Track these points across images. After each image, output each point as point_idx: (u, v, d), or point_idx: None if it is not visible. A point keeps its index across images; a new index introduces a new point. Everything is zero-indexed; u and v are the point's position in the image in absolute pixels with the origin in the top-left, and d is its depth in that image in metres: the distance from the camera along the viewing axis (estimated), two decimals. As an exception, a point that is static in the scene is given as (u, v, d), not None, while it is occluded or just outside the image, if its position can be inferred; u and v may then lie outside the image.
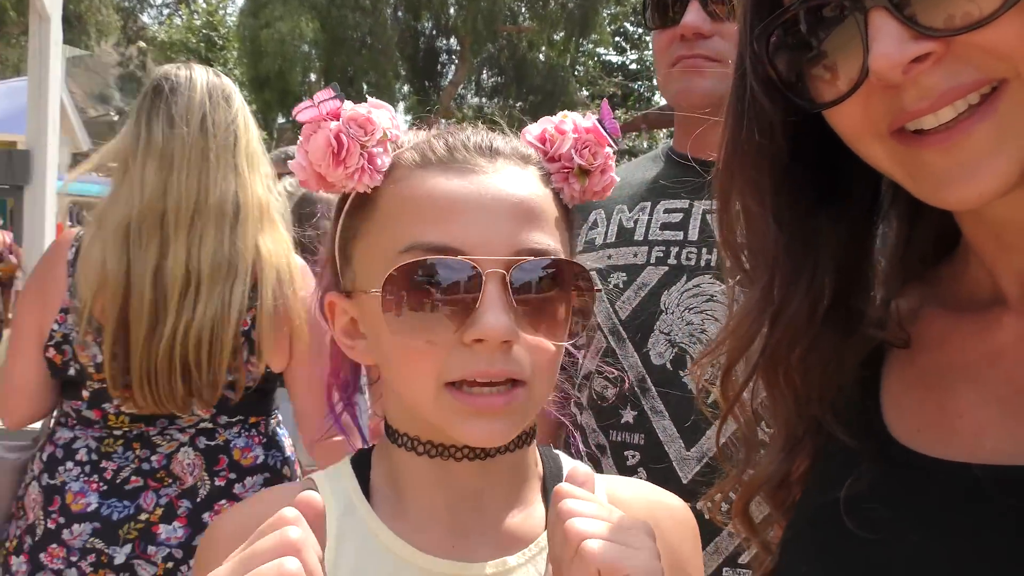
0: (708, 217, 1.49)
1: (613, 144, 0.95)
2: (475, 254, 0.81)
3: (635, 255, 1.51)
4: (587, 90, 28.10)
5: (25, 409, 2.00)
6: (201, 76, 2.00)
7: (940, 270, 0.83)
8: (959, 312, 0.78)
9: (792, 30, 0.68)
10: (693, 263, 1.46)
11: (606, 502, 0.86)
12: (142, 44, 30.17)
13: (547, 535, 0.80)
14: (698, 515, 1.37)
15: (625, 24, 28.49)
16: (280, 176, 2.46)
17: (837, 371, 0.80)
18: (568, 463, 0.99)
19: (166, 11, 32.36)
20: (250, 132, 2.02)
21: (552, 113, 0.97)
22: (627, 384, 1.46)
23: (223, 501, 1.97)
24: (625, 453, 1.45)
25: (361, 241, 0.89)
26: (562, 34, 25.16)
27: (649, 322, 1.46)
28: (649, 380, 1.44)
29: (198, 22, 27.67)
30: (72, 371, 1.94)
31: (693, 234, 1.48)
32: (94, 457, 1.95)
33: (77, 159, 16.66)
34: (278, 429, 2.13)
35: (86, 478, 1.93)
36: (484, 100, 27.41)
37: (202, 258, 1.89)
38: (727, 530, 1.36)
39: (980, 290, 0.76)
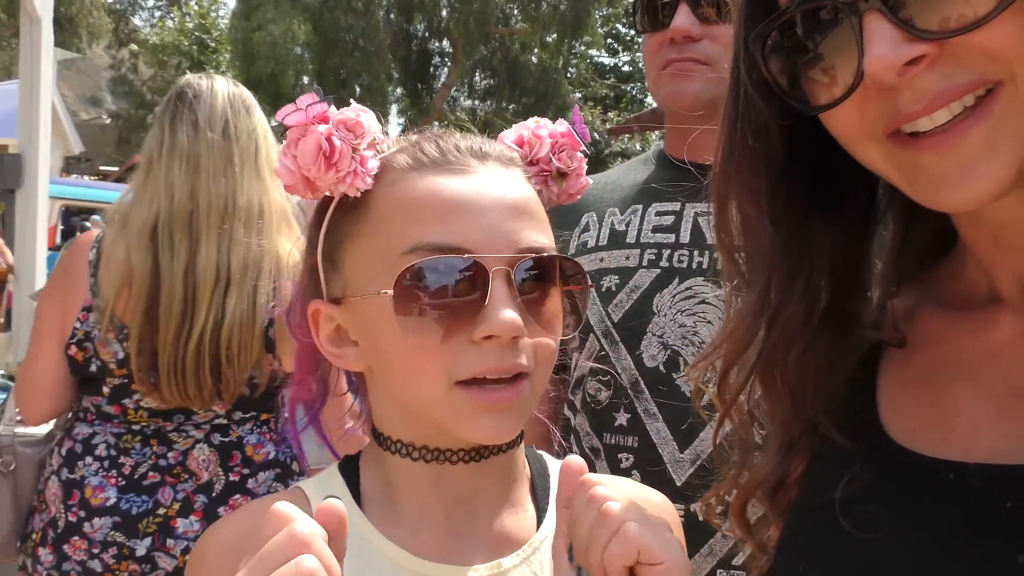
0: (700, 220, 1.49)
1: (586, 148, 0.98)
2: (479, 253, 0.82)
3: (627, 258, 1.52)
4: (580, 92, 28.13)
5: (46, 407, 2.08)
6: (222, 86, 2.09)
7: (936, 270, 0.83)
8: (956, 311, 0.78)
9: (787, 33, 0.68)
10: (685, 266, 1.47)
11: None
12: (134, 47, 30.08)
13: (568, 523, 0.79)
14: (692, 517, 1.38)
15: (617, 26, 28.53)
16: None
17: (833, 373, 0.81)
18: (553, 463, 1.00)
19: (158, 14, 32.30)
20: (269, 141, 2.11)
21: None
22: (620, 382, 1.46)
23: (237, 496, 2.05)
24: (619, 456, 1.45)
25: (353, 245, 0.88)
26: (554, 36, 25.20)
27: (642, 325, 1.46)
28: (642, 382, 1.44)
29: (190, 25, 27.59)
30: (93, 368, 2.02)
31: (685, 237, 1.48)
32: (113, 452, 2.03)
33: (69, 162, 16.62)
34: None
35: (105, 473, 2.01)
36: (477, 102, 27.42)
37: (232, 257, 1.97)
38: (721, 532, 1.37)
39: (977, 290, 0.77)
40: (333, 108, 0.87)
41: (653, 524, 0.75)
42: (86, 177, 16.05)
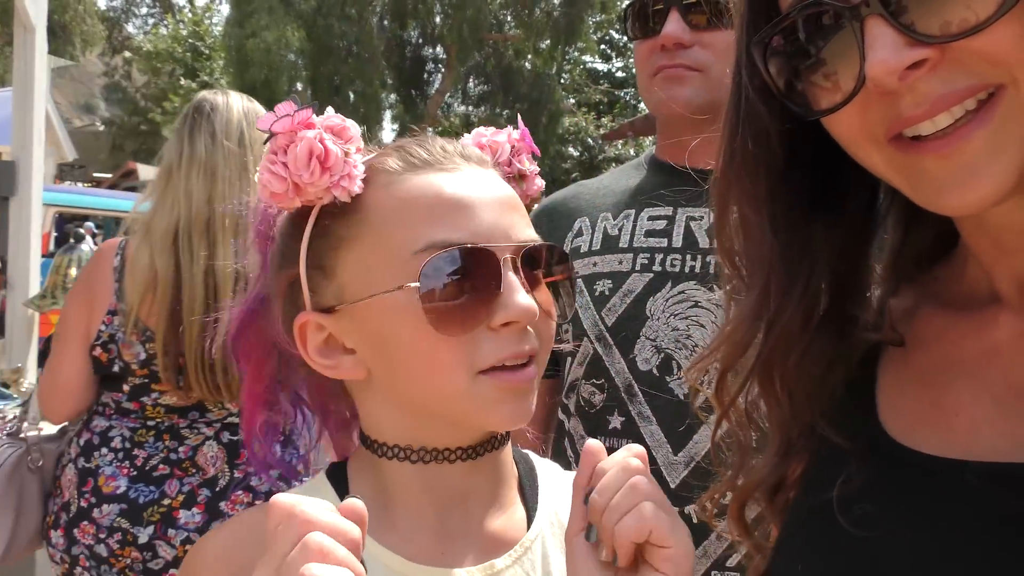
0: (692, 224, 1.50)
1: (537, 154, 1.03)
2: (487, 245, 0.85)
3: (620, 262, 1.53)
4: (573, 98, 28.19)
5: (70, 405, 2.20)
6: (237, 100, 2.22)
7: (936, 271, 0.83)
8: (956, 311, 0.78)
9: (789, 38, 0.69)
10: (678, 270, 1.48)
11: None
12: (127, 54, 30.06)
13: (582, 505, 0.80)
14: (686, 519, 1.38)
15: (611, 32, 28.60)
16: None
17: (831, 375, 0.81)
18: (539, 462, 1.01)
19: (151, 21, 32.28)
20: None
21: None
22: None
23: (239, 491, 2.15)
24: (613, 459, 1.45)
25: (350, 249, 0.87)
26: (548, 42, 25.24)
27: (635, 328, 1.47)
28: (636, 386, 1.45)
29: (184, 32, 27.55)
30: (116, 368, 2.15)
31: (677, 241, 1.50)
32: (127, 445, 2.15)
33: (62, 169, 16.58)
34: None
35: (118, 463, 2.13)
36: (471, 108, 27.44)
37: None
38: (715, 534, 1.38)
39: (977, 290, 0.77)
40: (315, 115, 0.87)
41: (669, 510, 0.77)
42: (79, 184, 16.01)
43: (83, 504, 2.11)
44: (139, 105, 28.17)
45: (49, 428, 2.31)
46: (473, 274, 0.83)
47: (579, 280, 1.55)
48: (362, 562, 0.66)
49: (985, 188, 0.62)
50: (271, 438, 0.99)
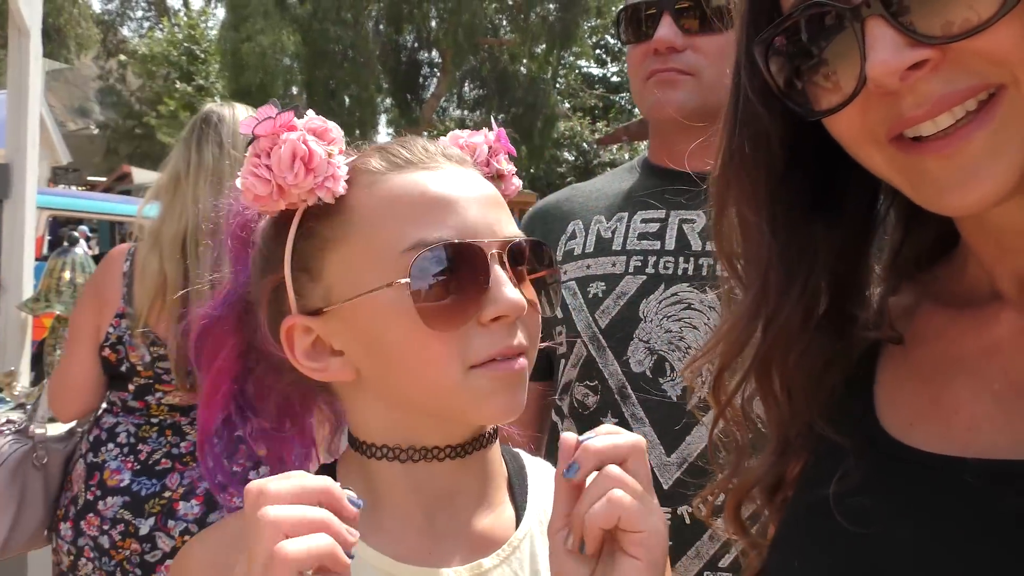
0: (684, 227, 1.51)
1: (513, 154, 1.04)
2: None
3: (613, 265, 1.53)
4: (568, 102, 28.24)
5: (79, 405, 2.30)
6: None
7: (936, 271, 0.83)
8: (956, 308, 0.78)
9: (791, 38, 0.69)
10: (671, 272, 1.48)
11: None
12: (122, 57, 30.03)
13: (566, 496, 0.79)
14: (679, 520, 1.39)
15: (606, 37, 28.66)
16: None
17: (830, 373, 0.81)
18: (529, 460, 1.01)
19: (147, 24, 32.26)
20: None
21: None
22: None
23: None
24: (607, 460, 1.46)
25: (335, 250, 0.87)
26: (543, 47, 25.31)
27: (628, 330, 1.48)
28: (629, 388, 1.46)
29: (179, 35, 27.52)
30: (123, 368, 2.25)
31: (670, 244, 1.50)
32: (132, 440, 2.25)
33: (57, 173, 16.54)
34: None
35: (123, 458, 2.23)
36: (466, 113, 27.45)
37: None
38: (707, 535, 1.38)
39: (978, 288, 0.77)
40: (296, 117, 0.87)
41: (640, 494, 0.76)
42: (74, 187, 15.98)
43: (89, 497, 2.19)
44: (134, 109, 28.14)
45: (55, 429, 2.38)
46: (461, 270, 0.83)
47: (572, 282, 1.56)
48: (351, 556, 0.69)
49: (986, 188, 0.62)
50: (226, 449, 1.00)
